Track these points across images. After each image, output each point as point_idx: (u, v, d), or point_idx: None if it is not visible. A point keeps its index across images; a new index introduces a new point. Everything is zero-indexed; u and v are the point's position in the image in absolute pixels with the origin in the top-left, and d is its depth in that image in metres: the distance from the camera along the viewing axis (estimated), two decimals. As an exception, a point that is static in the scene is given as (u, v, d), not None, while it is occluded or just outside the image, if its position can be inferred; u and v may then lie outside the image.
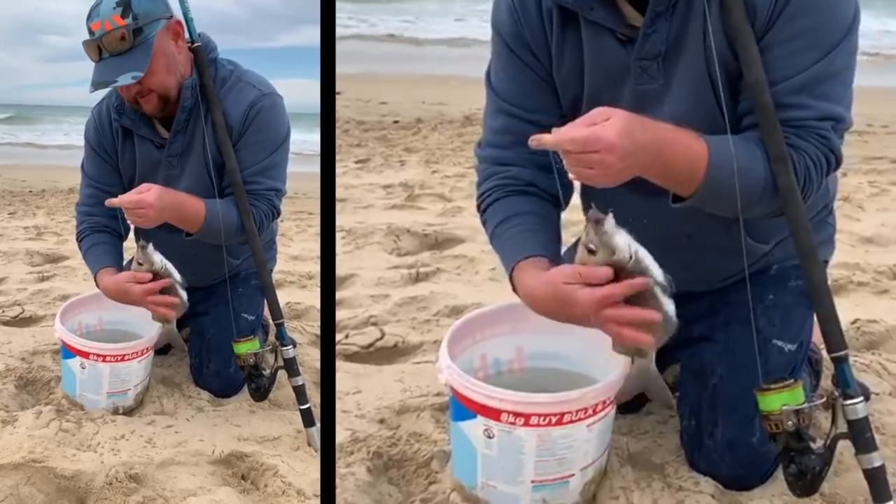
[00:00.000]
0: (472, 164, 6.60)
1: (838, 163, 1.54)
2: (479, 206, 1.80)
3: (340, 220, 4.82)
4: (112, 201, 2.19)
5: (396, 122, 8.20)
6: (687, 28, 1.54)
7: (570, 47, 1.66)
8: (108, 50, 2.18)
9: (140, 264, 2.21)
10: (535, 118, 1.72)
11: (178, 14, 2.32)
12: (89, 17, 2.21)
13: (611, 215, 1.40)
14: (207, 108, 2.32)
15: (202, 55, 2.34)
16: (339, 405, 2.23)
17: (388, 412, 2.14)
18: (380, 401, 2.22)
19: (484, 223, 1.78)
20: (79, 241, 2.57)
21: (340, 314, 2.97)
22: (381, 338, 2.74)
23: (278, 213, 2.47)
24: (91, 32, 2.20)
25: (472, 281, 3.40)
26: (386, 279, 3.42)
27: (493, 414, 1.57)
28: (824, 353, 2.13)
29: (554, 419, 1.56)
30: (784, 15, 1.47)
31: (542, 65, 1.71)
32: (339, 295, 3.33)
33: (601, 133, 1.34)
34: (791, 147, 1.49)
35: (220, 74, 2.39)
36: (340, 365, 2.53)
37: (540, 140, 1.37)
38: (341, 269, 3.56)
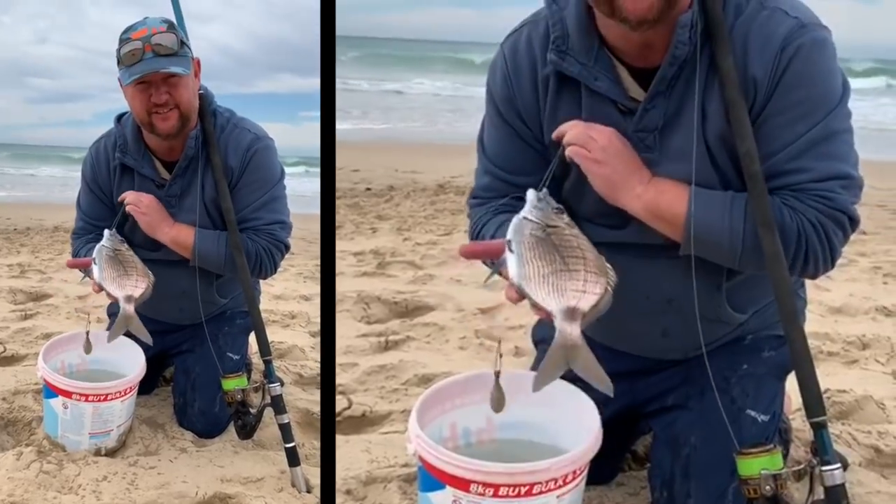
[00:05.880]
0: (444, 232, 6.58)
1: (853, 222, 1.55)
2: (472, 235, 1.85)
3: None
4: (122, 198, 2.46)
5: (369, 189, 8.22)
6: (684, 104, 1.59)
7: (566, 114, 1.69)
8: (154, 50, 2.25)
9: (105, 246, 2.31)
10: (517, 181, 1.76)
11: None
12: (129, 29, 2.29)
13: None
14: (208, 152, 2.42)
15: (205, 101, 2.45)
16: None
17: (354, 483, 2.11)
18: (346, 471, 2.18)
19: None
20: (76, 253, 2.63)
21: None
22: (349, 407, 2.70)
23: (286, 246, 2.52)
24: (130, 40, 2.27)
25: (443, 349, 3.37)
26: (355, 347, 3.38)
27: (462, 484, 1.54)
28: (794, 423, 2.14)
29: (523, 490, 1.52)
30: (780, 86, 1.52)
31: (531, 131, 1.75)
32: (307, 362, 3.29)
33: (603, 128, 1.62)
34: (790, 209, 1.53)
35: (218, 122, 2.48)
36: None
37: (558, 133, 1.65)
38: (310, 336, 3.51)
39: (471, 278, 4.38)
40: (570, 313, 1.42)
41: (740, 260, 1.57)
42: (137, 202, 2.44)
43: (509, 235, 1.47)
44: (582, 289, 1.42)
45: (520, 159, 1.77)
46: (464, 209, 7.29)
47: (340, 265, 5.02)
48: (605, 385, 1.44)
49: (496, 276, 1.54)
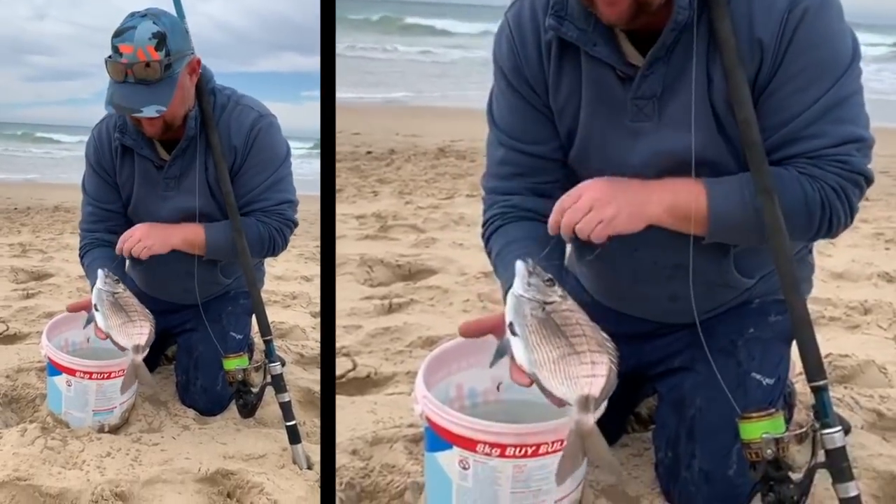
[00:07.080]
0: (446, 196, 6.58)
1: (868, 181, 1.58)
2: (483, 236, 1.83)
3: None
4: (119, 250, 2.37)
5: (370, 152, 8.19)
6: (685, 70, 1.57)
7: (568, 79, 1.69)
8: (134, 76, 2.19)
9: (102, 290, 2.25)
10: (532, 150, 1.76)
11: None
12: (120, 36, 2.19)
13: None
14: (206, 133, 2.37)
15: (202, 80, 2.38)
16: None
17: (360, 443, 2.12)
18: (352, 432, 2.19)
19: (488, 253, 1.80)
20: (81, 257, 2.61)
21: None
22: (354, 369, 2.72)
23: (295, 224, 2.51)
24: (118, 52, 2.18)
25: (446, 312, 3.38)
26: (359, 310, 3.40)
27: (469, 444, 1.55)
28: (797, 386, 2.16)
29: (530, 450, 1.54)
30: (789, 53, 1.51)
31: (540, 97, 1.74)
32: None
33: (580, 186, 1.56)
34: (808, 177, 1.53)
35: (219, 101, 2.44)
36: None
37: (552, 228, 1.56)
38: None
39: (473, 242, 4.39)
40: (585, 402, 1.41)
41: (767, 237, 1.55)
42: (133, 241, 2.35)
43: (509, 317, 1.45)
44: (591, 373, 1.41)
45: (533, 127, 1.76)
46: (465, 174, 7.26)
47: (342, 228, 5.02)
48: (616, 473, 1.53)
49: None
